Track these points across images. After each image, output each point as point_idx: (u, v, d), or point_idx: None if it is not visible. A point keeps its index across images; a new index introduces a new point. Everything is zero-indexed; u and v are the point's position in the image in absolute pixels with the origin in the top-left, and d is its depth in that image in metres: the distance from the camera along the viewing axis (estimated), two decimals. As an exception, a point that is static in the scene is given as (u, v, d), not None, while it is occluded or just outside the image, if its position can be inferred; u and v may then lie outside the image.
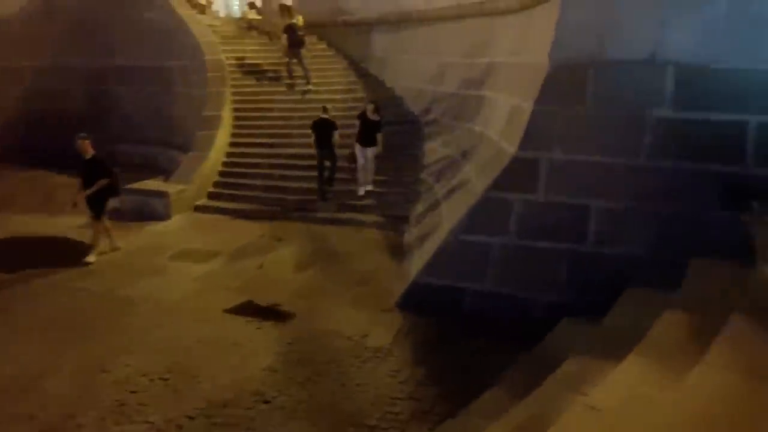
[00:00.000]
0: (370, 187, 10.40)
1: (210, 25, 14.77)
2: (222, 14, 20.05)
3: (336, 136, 10.43)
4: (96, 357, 5.65)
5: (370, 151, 10.23)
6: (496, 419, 3.88)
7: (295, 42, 13.65)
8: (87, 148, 8.15)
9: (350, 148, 10.36)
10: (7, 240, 9.18)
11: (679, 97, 6.01)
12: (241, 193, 10.99)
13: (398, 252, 8.32)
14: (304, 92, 13.42)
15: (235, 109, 12.79)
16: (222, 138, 12.02)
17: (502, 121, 7.91)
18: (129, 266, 8.06)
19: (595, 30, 6.43)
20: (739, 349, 3.42)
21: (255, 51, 14.98)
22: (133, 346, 5.88)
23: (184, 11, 14.02)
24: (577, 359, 4.27)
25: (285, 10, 14.38)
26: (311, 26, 15.08)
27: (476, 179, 7.38)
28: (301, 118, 12.04)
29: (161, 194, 10.38)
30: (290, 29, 13.74)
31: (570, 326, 5.27)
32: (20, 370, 5.45)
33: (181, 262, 8.23)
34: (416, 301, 6.61)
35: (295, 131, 12.02)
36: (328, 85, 13.67)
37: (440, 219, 7.61)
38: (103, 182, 8.13)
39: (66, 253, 8.43)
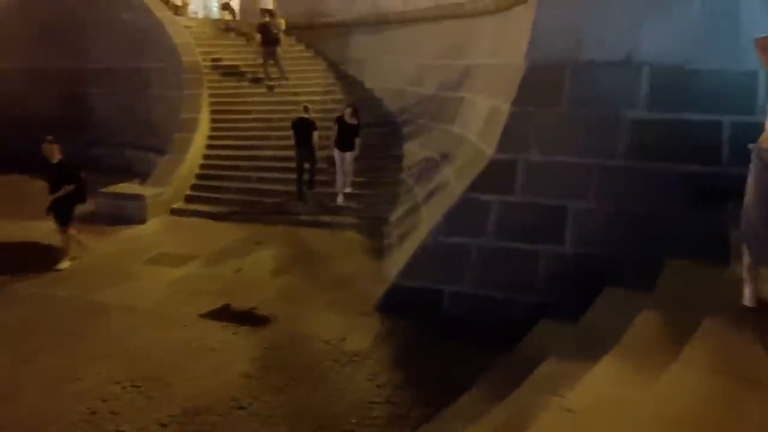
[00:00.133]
0: (349, 190, 10.35)
1: (187, 27, 14.62)
2: (201, 15, 19.90)
3: (316, 136, 10.36)
4: (67, 365, 5.52)
5: (349, 156, 10.14)
6: (473, 423, 3.84)
7: (270, 41, 13.55)
8: (53, 153, 7.97)
9: (329, 149, 10.28)
10: (-23, 246, 8.97)
11: (654, 97, 6.05)
12: (219, 195, 10.88)
13: (378, 254, 8.28)
14: (279, 92, 13.33)
15: (213, 111, 12.66)
16: (199, 140, 11.89)
17: (480, 123, 7.91)
18: (103, 271, 7.91)
19: (571, 31, 6.45)
20: (712, 349, 3.42)
21: (233, 52, 14.86)
22: (106, 353, 5.75)
23: (161, 12, 13.85)
24: (555, 361, 4.25)
25: (266, 13, 14.30)
26: (289, 28, 15.00)
27: (455, 181, 7.36)
28: (279, 119, 11.95)
29: (137, 197, 10.23)
30: (264, 28, 13.65)
31: (548, 327, 5.26)
32: (-12, 379, 5.32)
33: (156, 267, 8.11)
34: (395, 303, 6.56)
35: (273, 133, 11.93)
36: (307, 86, 13.59)
37: (420, 221, 7.58)
38: (68, 188, 7.93)
39: (37, 259, 8.25)
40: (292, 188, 10.58)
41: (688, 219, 5.67)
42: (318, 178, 10.60)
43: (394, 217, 8.84)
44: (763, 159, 3.89)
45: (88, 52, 14.31)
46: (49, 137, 8.08)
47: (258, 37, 13.74)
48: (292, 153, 10.71)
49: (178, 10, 15.88)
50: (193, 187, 11.24)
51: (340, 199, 10.21)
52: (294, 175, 10.59)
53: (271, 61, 13.72)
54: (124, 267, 8.06)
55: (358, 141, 10.10)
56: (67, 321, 6.47)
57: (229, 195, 10.84)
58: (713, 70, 5.91)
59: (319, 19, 15.56)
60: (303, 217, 9.98)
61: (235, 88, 13.71)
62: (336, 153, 10.15)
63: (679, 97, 5.98)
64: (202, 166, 11.69)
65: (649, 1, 6.15)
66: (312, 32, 15.64)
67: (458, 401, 4.32)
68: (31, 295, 7.15)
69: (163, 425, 4.63)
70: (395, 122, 11.91)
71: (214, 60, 14.11)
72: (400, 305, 6.50)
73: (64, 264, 8.03)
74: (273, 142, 11.75)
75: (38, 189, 10.61)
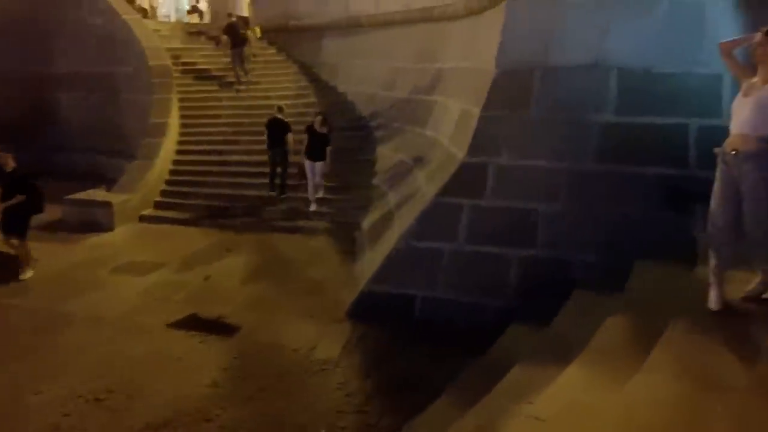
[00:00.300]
0: (321, 194, 10.24)
1: (156, 30, 14.43)
2: (173, 19, 19.71)
3: (290, 137, 10.26)
4: (28, 378, 5.35)
5: (319, 166, 9.89)
6: (442, 431, 3.79)
7: (237, 42, 13.44)
8: (8, 161, 7.75)
9: (301, 157, 10.12)
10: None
11: (622, 101, 6.08)
12: (189, 201, 10.71)
13: (350, 260, 8.20)
14: (251, 95, 13.20)
15: (183, 116, 12.49)
16: (169, 145, 11.71)
17: (452, 126, 7.89)
18: (68, 281, 7.71)
19: (539, 35, 6.46)
20: (678, 354, 3.42)
21: (203, 56, 14.71)
22: (69, 365, 5.59)
23: (128, 16, 13.62)
24: (524, 366, 4.23)
25: (241, 20, 14.21)
26: (263, 31, 14.89)
27: (427, 185, 7.33)
28: (250, 123, 11.85)
29: (104, 204, 10.02)
30: (231, 29, 13.52)
31: (518, 331, 5.24)
32: (-56, 395, 5.12)
33: (123, 275, 7.93)
34: (367, 309, 6.49)
35: (243, 138, 11.82)
36: (279, 90, 13.47)
37: (392, 226, 7.52)
38: (20, 197, 7.65)
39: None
40: (264, 193, 10.47)
41: (656, 221, 5.71)
42: (290, 182, 10.48)
43: (367, 222, 8.77)
44: (728, 163, 3.92)
45: (54, 57, 14.03)
46: (1, 145, 7.85)
47: (225, 38, 13.59)
48: (263, 158, 10.60)
49: (146, 13, 15.66)
50: (163, 193, 11.05)
51: (312, 207, 10.08)
52: (266, 180, 10.48)
53: (240, 63, 13.59)
54: (90, 276, 7.87)
55: (329, 150, 9.88)
56: (28, 332, 6.28)
57: (200, 201, 10.68)
58: (679, 74, 5.96)
59: (291, 22, 15.45)
60: (274, 223, 9.85)
61: (206, 92, 13.56)
62: (306, 163, 9.92)
63: (646, 101, 6.02)
64: (172, 172, 11.51)
65: (616, 5, 6.18)
66: (284, 35, 15.53)
67: (426, 410, 4.26)
68: (-9, 306, 6.94)
69: (126, 439, 4.50)
70: (368, 126, 11.85)
71: (184, 64, 13.92)
72: (372, 311, 6.42)
73: (27, 274, 7.81)
74: (244, 147, 11.63)
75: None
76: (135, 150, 11.65)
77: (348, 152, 10.81)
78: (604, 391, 3.27)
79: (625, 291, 4.69)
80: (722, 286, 3.92)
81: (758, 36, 3.80)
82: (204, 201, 10.65)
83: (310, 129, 9.93)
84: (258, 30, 14.29)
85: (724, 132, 4.02)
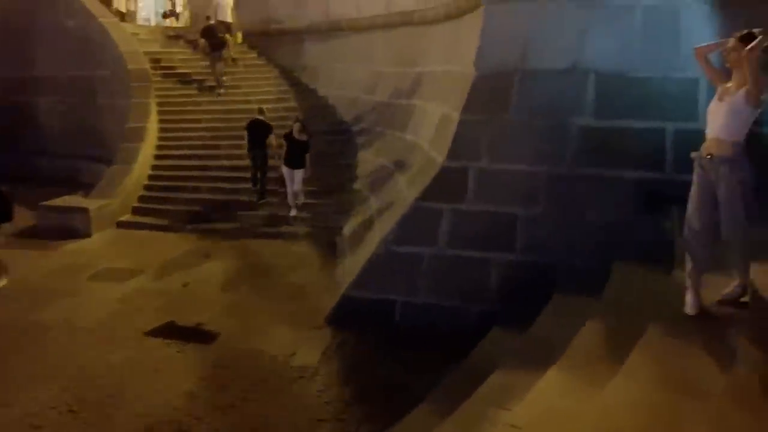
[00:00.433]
0: (302, 201, 10.14)
1: (134, 34, 14.26)
2: (153, 23, 19.53)
3: (272, 138, 10.17)
4: (-1, 389, 5.24)
5: (298, 174, 9.71)
6: (421, 440, 3.76)
7: (215, 45, 13.33)
8: None
9: (280, 163, 10.02)
10: None
11: (600, 105, 6.11)
12: (168, 207, 10.56)
13: (330, 265, 8.14)
14: (230, 99, 13.10)
15: (161, 120, 12.33)
16: (147, 150, 11.55)
17: (432, 131, 7.88)
18: (43, 289, 7.55)
19: (518, 40, 6.49)
20: (655, 359, 3.42)
21: (182, 60, 14.54)
22: (42, 375, 5.46)
23: (106, 19, 13.44)
24: (503, 372, 4.20)
25: (222, 25, 14.08)
26: (244, 35, 14.79)
27: (407, 189, 7.30)
28: (230, 128, 11.71)
29: (81, 210, 9.84)
30: (209, 31, 13.41)
31: (498, 336, 5.23)
32: None
33: (101, 283, 7.79)
34: (347, 315, 6.44)
35: (223, 142, 11.70)
36: (259, 94, 13.35)
37: (372, 231, 7.49)
38: None
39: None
40: (244, 198, 10.38)
41: (634, 225, 5.73)
42: (270, 187, 10.40)
43: (348, 227, 8.72)
44: (704, 167, 3.94)
45: (30, 60, 13.78)
46: None
47: (202, 42, 13.47)
48: (244, 162, 10.50)
49: (125, 17, 15.48)
50: (141, 199, 10.90)
51: (293, 212, 9.98)
52: (247, 185, 10.40)
53: (218, 68, 13.49)
54: (66, 284, 7.72)
55: (308, 158, 9.72)
56: (1, 342, 6.14)
57: (179, 206, 10.54)
58: (656, 78, 6.02)
59: (271, 26, 15.36)
60: (255, 228, 9.76)
61: (185, 96, 13.41)
62: (285, 170, 9.76)
63: (624, 104, 6.06)
64: (151, 177, 11.35)
65: (594, 10, 6.22)
66: (265, 39, 15.43)
67: (408, 416, 4.23)
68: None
69: (100, 452, 4.41)
70: (349, 130, 11.79)
71: (163, 68, 13.77)
72: (352, 317, 6.38)
73: (1, 282, 7.64)
74: (224, 152, 11.52)
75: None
76: (113, 154, 11.48)
77: (329, 156, 10.76)
78: (582, 396, 3.26)
79: (604, 294, 4.70)
80: (699, 289, 3.93)
81: (731, 41, 3.83)
82: (183, 206, 10.52)
83: (288, 136, 9.77)
84: (239, 36, 14.17)
85: (701, 135, 4.05)
